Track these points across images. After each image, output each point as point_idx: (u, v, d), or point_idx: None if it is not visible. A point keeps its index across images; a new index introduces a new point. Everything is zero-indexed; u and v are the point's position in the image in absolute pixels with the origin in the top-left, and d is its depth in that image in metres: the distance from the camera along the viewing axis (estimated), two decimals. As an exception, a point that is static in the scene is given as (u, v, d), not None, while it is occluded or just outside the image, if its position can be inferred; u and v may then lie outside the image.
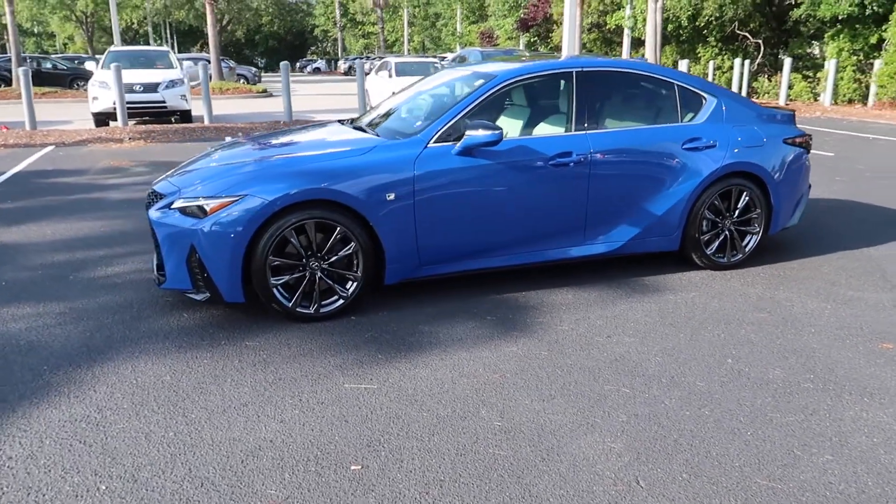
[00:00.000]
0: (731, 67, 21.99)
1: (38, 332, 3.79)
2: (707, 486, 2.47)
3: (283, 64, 14.05)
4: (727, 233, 4.82)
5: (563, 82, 4.49)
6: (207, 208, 3.72)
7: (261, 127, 13.45)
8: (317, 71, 61.95)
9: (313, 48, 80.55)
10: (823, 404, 3.05)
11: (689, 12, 23.24)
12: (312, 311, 3.90)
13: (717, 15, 22.00)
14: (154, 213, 3.94)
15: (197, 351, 3.57)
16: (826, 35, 20.13)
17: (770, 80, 22.64)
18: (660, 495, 2.42)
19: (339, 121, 5.28)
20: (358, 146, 4.08)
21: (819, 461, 2.63)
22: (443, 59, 20.55)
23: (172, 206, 3.86)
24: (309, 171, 3.83)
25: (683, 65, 20.83)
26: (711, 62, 22.51)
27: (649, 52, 19.84)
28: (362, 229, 3.90)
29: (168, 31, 57.58)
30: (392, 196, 3.91)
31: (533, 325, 3.92)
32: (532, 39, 34.95)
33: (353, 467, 2.59)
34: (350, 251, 3.89)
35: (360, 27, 69.23)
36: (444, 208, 4.04)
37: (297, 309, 3.87)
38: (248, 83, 30.30)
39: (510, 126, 4.56)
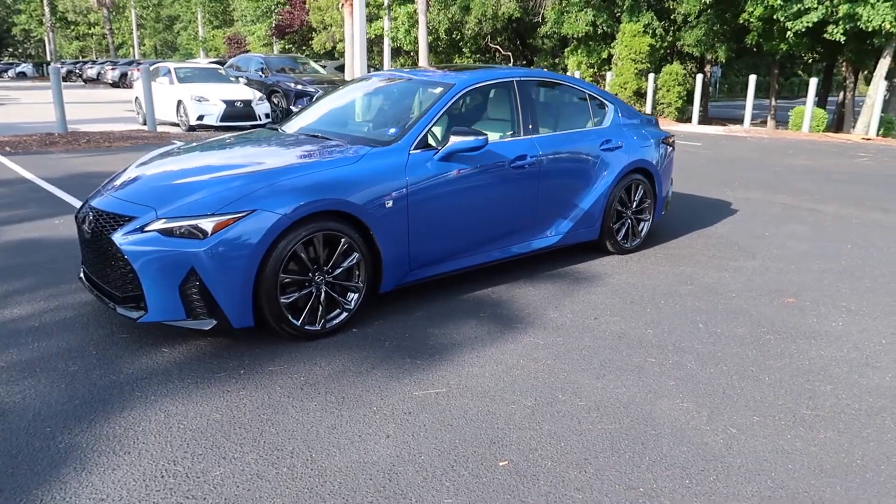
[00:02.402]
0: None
1: (-1, 392, 3.11)
2: (773, 421, 3.00)
3: (53, 67, 12.27)
4: (629, 221, 5.55)
5: (507, 90, 4.81)
6: (209, 228, 3.37)
7: (31, 141, 11.61)
8: (22, 76, 53.55)
9: (11, 50, 69.75)
10: (791, 347, 3.80)
11: (447, 25, 24.94)
12: (319, 328, 3.74)
13: (477, 30, 23.90)
14: (122, 239, 3.45)
15: (223, 384, 3.25)
16: (566, 50, 23.04)
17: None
18: (753, 434, 2.89)
19: (268, 126, 5.01)
20: (344, 155, 3.98)
21: (821, 389, 3.32)
22: (222, 64, 19.44)
23: (149, 229, 3.43)
24: (313, 183, 3.66)
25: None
26: (469, 72, 24.40)
27: (423, 62, 20.93)
28: (363, 239, 3.84)
29: None
30: (390, 203, 3.91)
31: (524, 316, 4.19)
32: (287, 46, 34.49)
33: (500, 463, 2.66)
34: (353, 262, 3.81)
35: (72, 28, 61.65)
36: (430, 213, 4.13)
37: (306, 327, 3.68)
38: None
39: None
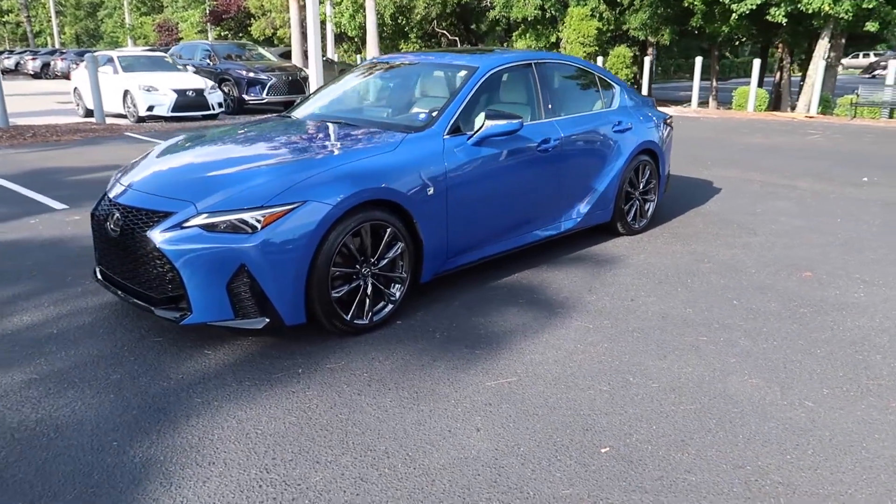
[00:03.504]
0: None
1: (44, 409, 2.88)
2: (842, 393, 3.07)
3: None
4: (637, 202, 5.60)
5: (527, 73, 4.74)
6: (258, 221, 3.19)
7: (-29, 135, 10.85)
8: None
9: None
10: (828, 320, 3.91)
11: (392, 10, 24.62)
12: (367, 322, 3.61)
13: (424, 14, 23.68)
14: (160, 237, 3.23)
15: (285, 384, 3.09)
16: (515, 34, 23.10)
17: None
18: (830, 406, 2.94)
19: (280, 115, 4.80)
20: (382, 142, 3.83)
21: (873, 359, 3.42)
22: (165, 51, 18.55)
23: (189, 225, 3.22)
24: (359, 172, 3.51)
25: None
26: (416, 58, 24.19)
27: (372, 47, 20.60)
28: (406, 228, 3.72)
29: None
30: (431, 190, 3.80)
31: (562, 301, 4.17)
32: (223, 33, 33.39)
33: (602, 450, 2.62)
34: (398, 252, 3.69)
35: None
36: (465, 199, 4.04)
37: (355, 321, 3.55)
38: None
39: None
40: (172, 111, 13.72)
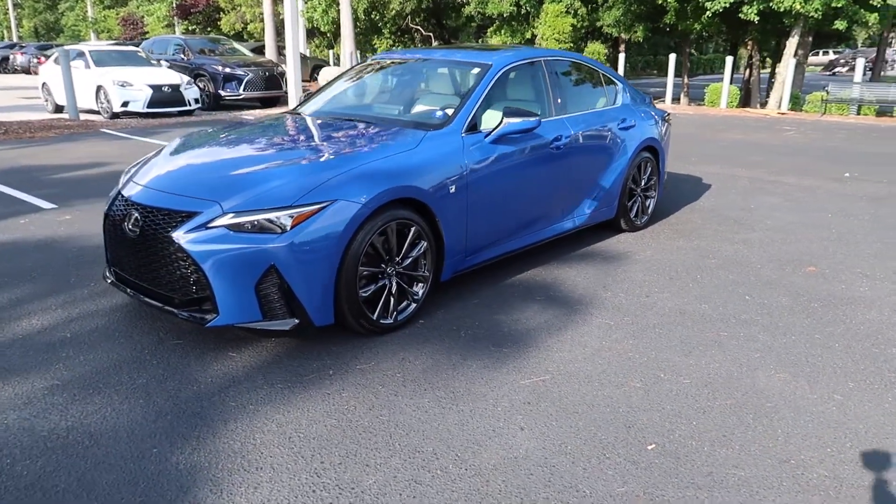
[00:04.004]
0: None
1: (73, 416, 2.79)
2: (867, 386, 3.14)
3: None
4: (639, 199, 5.65)
5: (538, 70, 4.74)
6: (288, 220, 3.14)
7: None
8: None
9: None
10: (839, 314, 3.99)
11: (366, 5, 24.44)
12: (392, 321, 3.58)
13: (399, 10, 23.55)
14: (185, 237, 3.15)
15: (318, 386, 3.05)
16: (490, 30, 23.12)
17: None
18: (858, 399, 3.01)
19: (288, 112, 4.73)
20: (404, 139, 3.80)
21: (891, 352, 3.51)
22: (137, 45, 18.06)
23: (214, 225, 3.15)
24: (385, 170, 3.47)
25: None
26: (390, 53, 24.07)
27: (347, 42, 20.42)
28: (429, 226, 3.70)
29: None
30: (453, 188, 3.78)
31: (578, 298, 4.18)
32: (191, 27, 32.77)
33: (648, 447, 2.64)
34: (421, 251, 3.66)
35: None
36: (483, 197, 4.03)
37: (381, 321, 3.52)
38: None
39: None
40: (148, 107, 13.44)
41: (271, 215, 3.15)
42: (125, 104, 13.27)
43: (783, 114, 16.74)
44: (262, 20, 28.27)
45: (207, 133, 4.34)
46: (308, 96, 5.02)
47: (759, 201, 6.90)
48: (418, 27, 25.24)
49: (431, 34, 25.36)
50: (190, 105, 14.11)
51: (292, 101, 16.02)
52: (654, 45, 32.86)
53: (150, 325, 3.66)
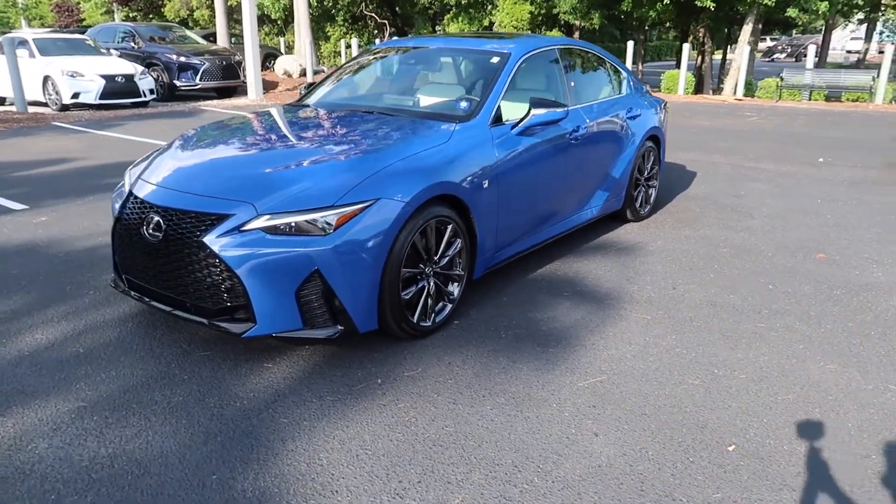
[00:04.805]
0: (362, 45, 23.41)
1: (112, 442, 2.56)
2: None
3: None
4: (643, 188, 5.62)
5: (553, 59, 4.62)
6: (332, 221, 2.95)
7: None
8: None
9: None
10: (863, 301, 4.03)
11: (319, -9, 23.88)
12: (430, 324, 3.43)
13: (353, -4, 23.08)
14: (218, 242, 2.93)
15: (371, 398, 2.88)
16: (447, 17, 22.90)
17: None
18: (915, 389, 3.03)
19: (294, 104, 4.49)
20: (434, 133, 3.62)
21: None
22: (83, 33, 17.11)
23: (249, 228, 2.94)
24: (421, 166, 3.30)
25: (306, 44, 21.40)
26: (342, 41, 23.60)
27: (304, 30, 19.91)
28: (464, 223, 3.55)
29: None
30: (486, 184, 3.64)
31: (607, 292, 4.11)
32: (132, 14, 31.44)
33: (728, 448, 2.58)
34: (457, 249, 3.52)
35: None
36: (512, 191, 3.90)
37: (420, 324, 3.36)
38: None
39: (521, 105, 4.51)
40: (100, 98, 12.80)
41: (312, 216, 2.95)
42: (76, 95, 12.59)
43: (740, 100, 17.11)
44: (208, 7, 27.31)
45: (217, 127, 4.07)
46: (312, 87, 4.78)
47: (747, 188, 6.97)
48: (373, 14, 24.81)
49: (386, 21, 24.96)
50: (145, 96, 13.50)
51: (251, 92, 15.52)
52: (605, 32, 33.16)
53: (168, 336, 3.42)
